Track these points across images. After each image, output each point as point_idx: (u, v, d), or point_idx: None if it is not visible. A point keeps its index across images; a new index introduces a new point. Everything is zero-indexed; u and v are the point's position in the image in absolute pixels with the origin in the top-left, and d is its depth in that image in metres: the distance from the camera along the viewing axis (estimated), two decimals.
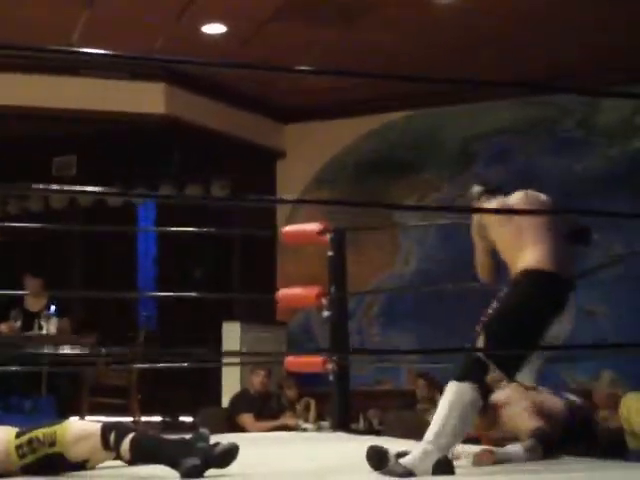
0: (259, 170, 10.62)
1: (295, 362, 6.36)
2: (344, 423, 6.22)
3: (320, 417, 8.53)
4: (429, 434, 3.75)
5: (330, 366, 6.12)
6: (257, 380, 8.67)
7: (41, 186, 2.80)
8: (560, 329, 4.05)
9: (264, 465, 4.12)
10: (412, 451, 3.75)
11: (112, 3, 8.03)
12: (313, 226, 6.25)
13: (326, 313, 6.21)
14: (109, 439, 3.49)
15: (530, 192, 4.37)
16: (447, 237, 9.52)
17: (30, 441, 3.50)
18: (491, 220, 4.23)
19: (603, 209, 8.90)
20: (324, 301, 6.13)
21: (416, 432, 4.27)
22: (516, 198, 4.31)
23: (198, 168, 10.34)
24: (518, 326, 3.95)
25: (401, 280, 10.13)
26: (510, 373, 3.90)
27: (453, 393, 3.78)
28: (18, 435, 3.55)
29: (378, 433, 7.66)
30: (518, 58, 8.99)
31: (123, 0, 8.02)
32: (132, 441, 3.49)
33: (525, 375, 4.16)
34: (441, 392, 3.87)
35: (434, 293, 9.56)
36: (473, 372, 3.80)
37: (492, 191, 4.42)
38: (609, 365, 7.96)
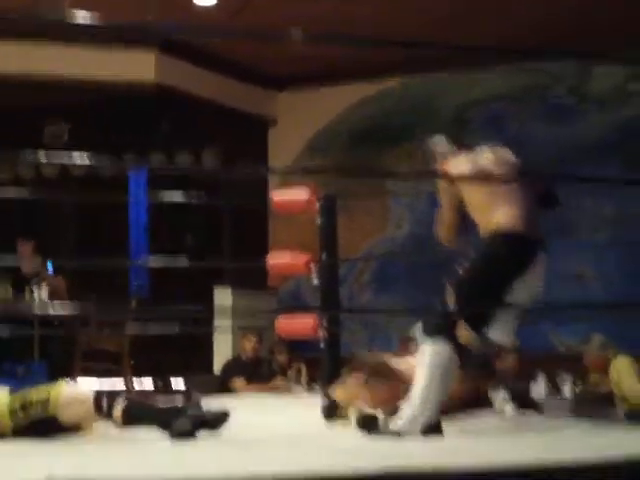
0: (251, 138, 10.58)
1: (286, 327, 6.36)
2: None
3: (312, 382, 8.57)
4: (414, 397, 3.79)
5: (321, 333, 6.13)
6: (249, 345, 8.70)
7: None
8: (528, 288, 4.05)
9: (255, 428, 4.16)
10: (400, 414, 3.80)
11: None
12: (301, 191, 6.20)
13: (316, 281, 6.20)
14: (102, 404, 3.54)
15: (498, 150, 4.37)
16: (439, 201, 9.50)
17: (23, 403, 3.54)
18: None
19: (595, 175, 8.94)
20: (314, 268, 6.13)
21: None
22: (486, 158, 4.31)
23: (189, 136, 10.31)
24: (487, 286, 4.00)
25: (393, 244, 10.13)
26: (478, 329, 3.95)
27: (432, 354, 3.82)
28: (10, 396, 3.58)
29: None
30: (511, 24, 8.96)
31: None
32: (124, 406, 3.54)
33: (502, 334, 4.18)
34: None
35: (426, 257, 9.57)
36: (443, 328, 3.85)
37: (461, 147, 4.45)
38: (599, 328, 7.99)
